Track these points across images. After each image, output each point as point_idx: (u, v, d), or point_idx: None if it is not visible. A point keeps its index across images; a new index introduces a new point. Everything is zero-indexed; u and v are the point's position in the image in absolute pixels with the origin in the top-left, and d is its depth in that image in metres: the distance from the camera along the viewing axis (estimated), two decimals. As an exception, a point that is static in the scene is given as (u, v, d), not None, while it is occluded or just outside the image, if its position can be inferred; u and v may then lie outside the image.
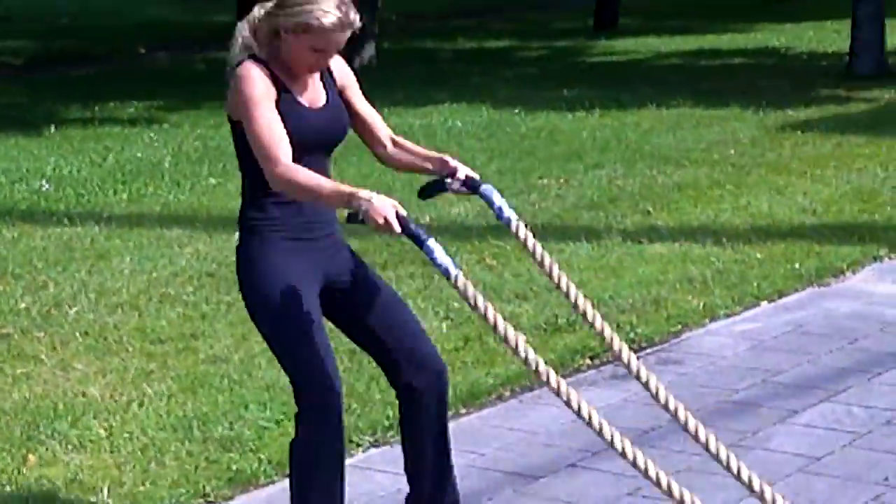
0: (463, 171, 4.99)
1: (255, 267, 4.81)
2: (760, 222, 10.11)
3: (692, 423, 4.88)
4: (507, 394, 6.89)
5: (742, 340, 7.61)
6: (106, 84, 19.43)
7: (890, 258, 9.17)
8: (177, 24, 27.63)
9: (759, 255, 9.15)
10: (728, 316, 8.05)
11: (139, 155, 13.50)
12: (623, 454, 4.65)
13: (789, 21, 25.85)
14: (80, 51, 23.71)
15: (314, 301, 4.82)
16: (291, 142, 4.60)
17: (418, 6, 29.09)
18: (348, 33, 4.73)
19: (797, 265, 8.89)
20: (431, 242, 4.54)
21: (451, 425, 6.09)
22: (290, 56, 4.73)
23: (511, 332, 4.41)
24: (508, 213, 4.99)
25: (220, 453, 6.10)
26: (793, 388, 6.83)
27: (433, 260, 4.57)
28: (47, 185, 12.07)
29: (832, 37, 22.99)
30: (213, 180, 12.22)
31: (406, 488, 5.26)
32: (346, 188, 4.53)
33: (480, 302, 4.44)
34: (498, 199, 5.00)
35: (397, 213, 4.45)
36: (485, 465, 5.96)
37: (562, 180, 11.74)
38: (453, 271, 4.50)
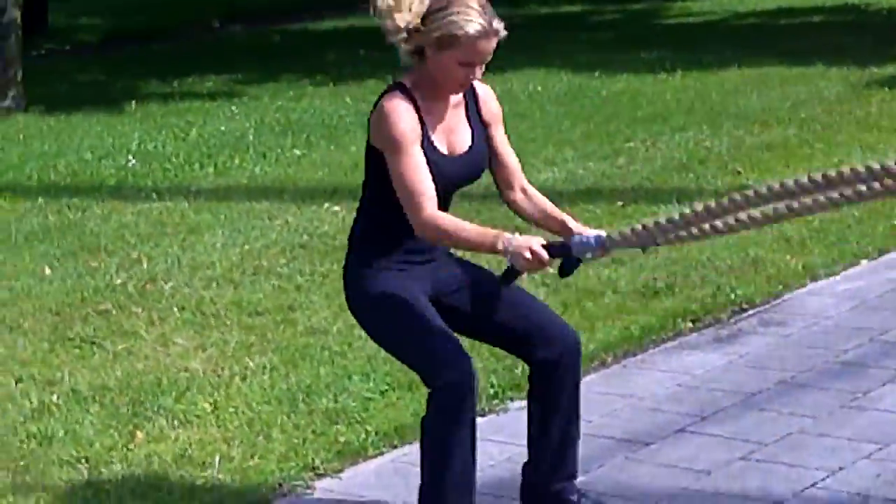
0: (590, 235, 4.68)
1: (365, 282, 4.83)
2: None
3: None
4: (610, 359, 6.82)
5: (845, 300, 7.51)
6: (183, 59, 19.49)
7: None
8: (245, -2, 27.66)
9: (855, 213, 9.00)
10: (829, 275, 7.95)
11: (222, 128, 13.52)
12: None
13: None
14: (155, 26, 23.73)
15: (424, 299, 4.80)
16: None
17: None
18: (494, 42, 4.67)
19: (897, 222, 8.79)
20: (575, 247, 4.56)
21: (513, 404, 6.16)
22: (438, 75, 4.66)
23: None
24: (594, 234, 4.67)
25: (326, 426, 6.07)
26: (889, 349, 6.74)
27: (586, 246, 4.56)
28: (134, 161, 12.10)
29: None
30: (297, 151, 12.21)
31: (516, 456, 5.22)
32: (490, 232, 4.57)
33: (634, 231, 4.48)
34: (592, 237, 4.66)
35: (544, 246, 4.50)
36: (592, 432, 5.86)
37: (648, 143, 11.63)
38: (603, 235, 4.55)
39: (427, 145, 4.66)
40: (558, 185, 10.21)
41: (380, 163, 4.72)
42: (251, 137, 12.91)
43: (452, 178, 4.78)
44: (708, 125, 12.29)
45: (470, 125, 4.84)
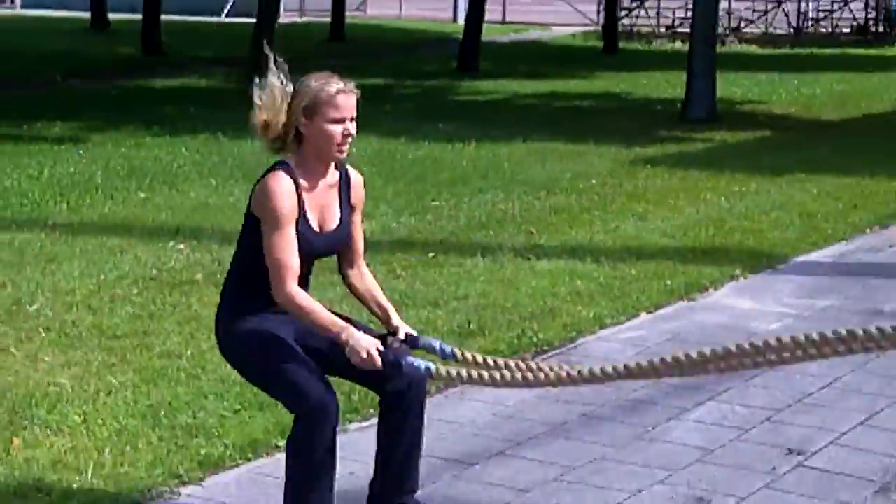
0: (403, 330, 4.92)
1: (238, 324, 4.79)
2: (629, 244, 10.17)
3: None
4: (434, 389, 6.81)
5: (629, 346, 7.64)
6: (30, 106, 18.98)
7: (745, 278, 9.26)
8: (86, 55, 27.09)
9: (633, 272, 9.19)
10: (614, 325, 8.08)
11: (72, 170, 13.18)
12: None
13: (624, 71, 26.07)
14: (4, 75, 23.12)
15: (291, 340, 4.78)
16: None
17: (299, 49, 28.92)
18: (354, 98, 4.74)
19: (668, 282, 8.95)
20: (406, 359, 4.71)
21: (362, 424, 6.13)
22: (319, 142, 4.69)
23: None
24: (449, 348, 4.92)
25: (187, 439, 5.97)
26: (680, 388, 6.84)
27: (415, 371, 4.72)
28: (-8, 197, 11.76)
29: (663, 85, 23.23)
30: (141, 194, 11.98)
31: (358, 472, 5.27)
32: (340, 324, 4.66)
33: (465, 373, 4.67)
34: (438, 344, 4.94)
35: (378, 350, 4.64)
36: (424, 453, 5.85)
37: (452, 202, 11.69)
38: (433, 368, 4.68)
39: (302, 222, 4.71)
40: (375, 236, 10.17)
41: (256, 228, 4.73)
42: (99, 180, 12.62)
43: (319, 250, 4.85)
44: (502, 190, 12.40)
45: (340, 206, 4.87)
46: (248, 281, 4.82)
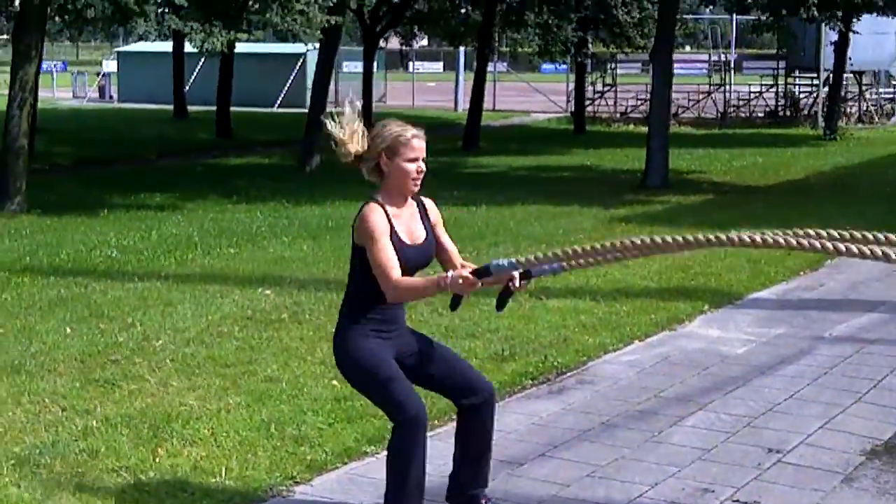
0: (516, 273, 4.67)
1: (349, 343, 4.70)
2: (618, 286, 10.11)
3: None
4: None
5: (629, 368, 7.57)
6: (134, 180, 19.00)
7: (711, 311, 9.20)
8: (172, 138, 27.14)
9: (625, 308, 9.13)
10: (615, 350, 8.00)
11: (174, 231, 13.16)
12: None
13: (591, 148, 26.09)
14: (109, 156, 23.16)
15: (392, 362, 4.71)
16: None
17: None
18: (424, 141, 4.67)
19: (653, 315, 8.88)
20: (493, 265, 4.43)
21: (441, 430, 6.05)
22: (398, 178, 4.62)
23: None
24: (557, 264, 4.63)
25: (295, 447, 5.89)
26: (675, 401, 6.79)
27: (502, 268, 4.43)
28: (115, 252, 11.70)
29: (623, 159, 23.24)
30: (231, 250, 11.93)
31: (440, 468, 5.15)
32: (433, 278, 4.49)
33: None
34: (548, 266, 4.63)
35: (472, 273, 4.42)
36: (481, 456, 5.84)
37: (475, 254, 11.61)
38: (514, 261, 4.44)
39: (395, 237, 4.60)
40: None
41: (362, 257, 4.63)
42: (197, 239, 12.59)
43: (413, 259, 4.68)
44: (511, 243, 12.37)
45: (423, 224, 4.77)
46: (359, 306, 4.69)
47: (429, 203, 4.86)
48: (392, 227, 4.60)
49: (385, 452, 4.78)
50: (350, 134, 4.69)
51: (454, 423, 5.07)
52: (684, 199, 16.71)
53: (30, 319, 8.71)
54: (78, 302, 9.33)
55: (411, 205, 4.76)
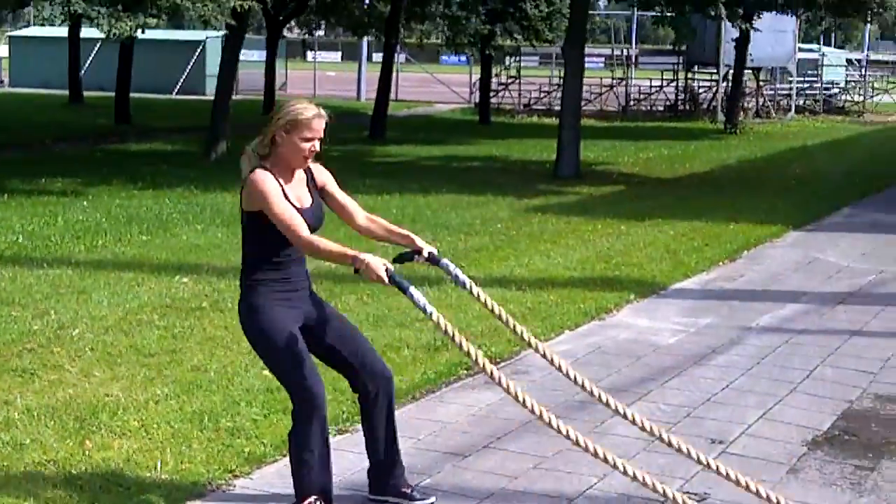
0: (427, 249, 4.90)
1: (256, 314, 4.65)
2: (542, 275, 10.06)
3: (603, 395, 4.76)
4: (418, 395, 6.63)
5: (563, 358, 7.36)
6: (32, 165, 18.32)
7: (637, 301, 9.20)
8: (68, 124, 26.39)
9: (552, 298, 9.07)
10: (546, 340, 7.90)
11: (81, 217, 12.71)
12: (549, 425, 4.45)
13: (498, 139, 26.06)
14: (3, 140, 22.37)
15: (298, 335, 4.66)
16: None
17: (241, 120, 28.51)
18: (324, 122, 4.63)
19: (581, 305, 8.84)
20: (412, 290, 4.50)
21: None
22: (289, 153, 4.57)
23: (480, 356, 4.47)
24: (463, 278, 4.85)
25: (231, 439, 5.70)
26: (613, 391, 6.61)
27: (415, 302, 4.49)
28: (21, 238, 11.26)
29: (531, 150, 23.24)
30: (143, 237, 11.58)
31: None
32: (350, 252, 4.47)
33: (450, 329, 4.43)
34: (454, 269, 4.87)
35: (387, 269, 4.42)
36: (424, 447, 5.72)
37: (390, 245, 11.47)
38: (429, 309, 4.47)
39: (289, 200, 4.57)
40: (341, 269, 9.96)
41: (253, 222, 4.60)
42: (105, 226, 12.18)
43: (309, 220, 4.62)
44: (430, 232, 12.20)
45: (309, 189, 4.73)
46: (260, 270, 4.64)
47: (315, 167, 4.82)
48: (283, 191, 4.58)
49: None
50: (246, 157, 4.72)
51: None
52: (596, 189, 16.75)
53: (-65, 306, 8.33)
54: (-14, 289, 8.95)
55: (299, 173, 4.72)
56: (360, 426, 5.84)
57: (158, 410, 6.09)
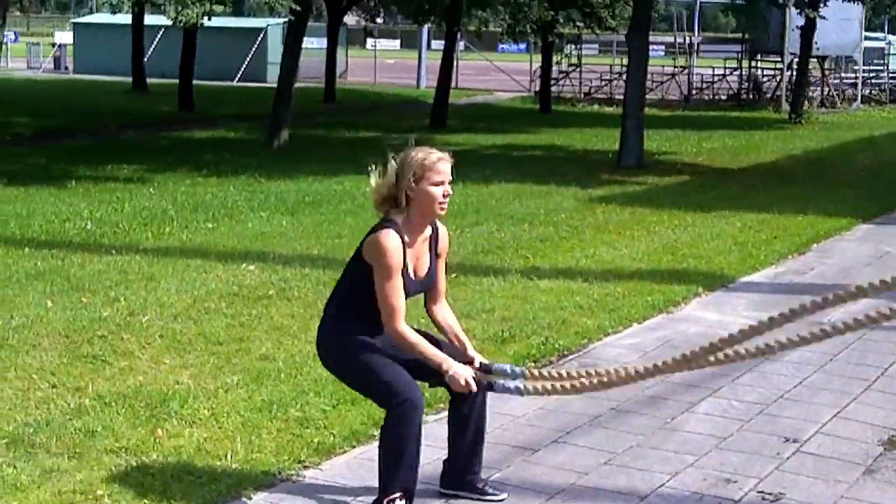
0: (478, 360, 4.83)
1: (340, 344, 4.64)
2: (607, 266, 9.97)
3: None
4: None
5: (632, 351, 7.42)
6: (98, 152, 18.56)
7: (705, 295, 9.08)
8: (133, 111, 26.64)
9: (619, 290, 8.98)
10: (615, 333, 7.85)
11: (147, 204, 12.83)
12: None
13: (559, 127, 25.93)
14: (70, 126, 22.68)
15: (380, 351, 4.62)
16: None
17: (305, 107, 28.59)
18: (449, 164, 4.61)
19: (648, 298, 8.74)
20: (497, 382, 4.66)
21: (440, 415, 5.82)
22: (423, 203, 4.53)
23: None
24: (519, 368, 4.88)
25: (300, 430, 5.69)
26: (684, 386, 6.64)
27: (509, 391, 4.70)
28: (90, 225, 11.37)
29: (593, 139, 23.11)
30: (209, 224, 11.65)
31: (438, 454, 5.02)
32: (441, 356, 4.54)
33: (551, 385, 4.64)
34: (508, 368, 4.85)
35: (475, 378, 4.56)
36: (493, 441, 5.64)
37: (458, 232, 11.45)
38: (522, 387, 4.62)
39: (404, 272, 4.56)
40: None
41: (363, 269, 4.57)
42: (172, 212, 12.29)
43: (413, 292, 4.68)
44: (494, 222, 12.19)
45: (429, 255, 4.72)
46: (354, 312, 4.63)
47: (442, 232, 4.79)
48: (405, 260, 4.57)
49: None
50: (385, 180, 4.64)
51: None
52: (660, 180, 16.60)
53: (7, 292, 8.42)
54: (56, 275, 9.03)
55: (426, 231, 4.68)
56: (429, 418, 5.89)
57: (228, 399, 6.10)
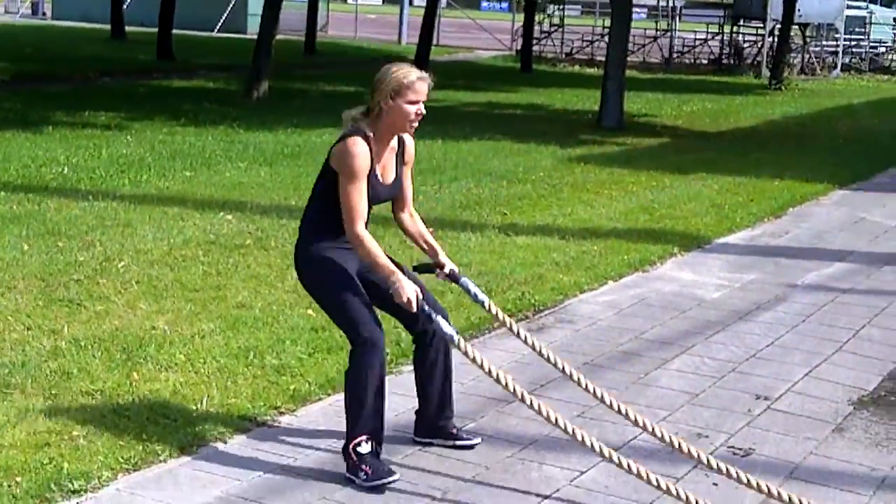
0: (448, 266, 4.94)
1: (314, 257, 4.66)
2: (585, 225, 10.00)
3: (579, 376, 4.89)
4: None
5: (607, 308, 7.47)
6: (76, 98, 18.35)
7: (681, 255, 9.13)
8: (111, 58, 26.37)
9: (595, 248, 9.02)
10: (590, 290, 7.90)
11: (125, 151, 12.74)
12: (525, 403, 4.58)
13: (540, 87, 25.82)
14: (48, 72, 22.45)
15: (355, 277, 4.66)
16: None
17: (285, 59, 28.38)
18: (426, 85, 4.62)
19: (625, 256, 8.79)
20: (438, 318, 4.62)
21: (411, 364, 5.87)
22: (396, 119, 4.55)
23: (502, 376, 4.60)
24: (482, 297, 4.94)
25: (276, 377, 5.72)
26: (657, 343, 6.71)
27: (441, 332, 4.64)
28: (66, 170, 11.30)
29: (573, 99, 23.05)
30: (187, 173, 11.59)
31: (413, 404, 5.06)
32: (390, 267, 4.53)
33: (478, 357, 4.59)
34: (473, 288, 4.93)
35: (417, 298, 4.50)
36: (468, 392, 5.71)
37: (436, 187, 11.47)
38: (456, 338, 4.61)
39: (372, 176, 4.59)
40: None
41: (333, 178, 4.58)
42: (149, 160, 12.21)
43: (382, 197, 4.72)
44: (472, 179, 12.16)
45: (396, 164, 4.75)
46: (323, 223, 4.67)
47: (409, 141, 4.82)
48: (372, 166, 4.59)
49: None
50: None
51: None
52: (639, 141, 16.59)
53: (-17, 235, 8.38)
54: (32, 219, 8.98)
55: (393, 142, 4.72)
56: (404, 368, 5.93)
57: (204, 345, 6.12)
